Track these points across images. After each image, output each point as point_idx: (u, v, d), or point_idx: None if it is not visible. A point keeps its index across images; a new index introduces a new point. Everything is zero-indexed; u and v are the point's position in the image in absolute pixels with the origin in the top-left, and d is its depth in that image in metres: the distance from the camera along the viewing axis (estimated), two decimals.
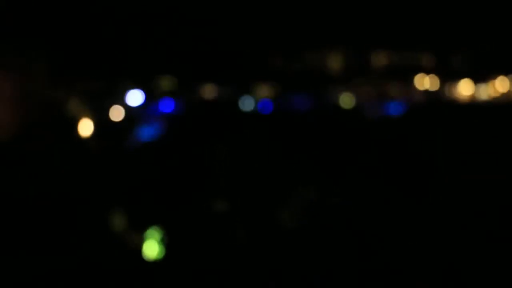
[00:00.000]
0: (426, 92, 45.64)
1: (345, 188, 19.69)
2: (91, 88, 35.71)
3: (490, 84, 45.08)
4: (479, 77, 48.23)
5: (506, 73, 38.79)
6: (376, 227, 18.02)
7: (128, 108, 36.69)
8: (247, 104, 39.12)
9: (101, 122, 30.26)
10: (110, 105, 35.95)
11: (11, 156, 19.12)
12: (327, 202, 19.06)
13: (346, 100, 45.49)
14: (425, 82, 48.48)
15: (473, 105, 43.30)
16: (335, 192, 19.37)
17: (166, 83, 42.52)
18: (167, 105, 37.49)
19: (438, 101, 43.13)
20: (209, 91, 42.10)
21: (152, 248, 16.04)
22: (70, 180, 19.45)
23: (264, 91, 45.05)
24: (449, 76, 47.64)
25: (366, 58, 51.31)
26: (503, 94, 40.24)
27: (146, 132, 30.88)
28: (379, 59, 51.54)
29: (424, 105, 41.29)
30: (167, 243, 16.14)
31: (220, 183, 19.97)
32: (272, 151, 22.82)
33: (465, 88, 46.53)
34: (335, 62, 51.47)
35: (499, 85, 40.02)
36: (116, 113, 34.35)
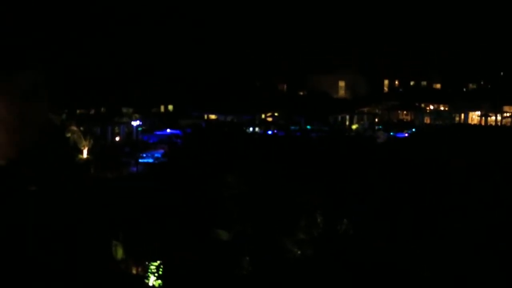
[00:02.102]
0: (435, 118, 43.99)
1: (353, 215, 18.78)
2: (90, 113, 34.36)
3: (500, 111, 43.60)
4: (491, 106, 46.52)
5: None
6: (384, 256, 16.99)
7: (129, 134, 35.21)
8: (254, 130, 37.70)
9: (100, 147, 29.08)
10: (110, 130, 34.46)
11: (9, 179, 17.84)
12: (334, 229, 18.15)
13: (355, 125, 43.57)
14: (433, 109, 46.83)
15: (484, 130, 41.14)
16: (343, 220, 18.43)
17: (168, 109, 40.75)
18: (168, 132, 35.99)
19: (447, 128, 41.30)
20: (214, 117, 40.44)
21: (155, 277, 15.11)
22: (69, 206, 17.99)
23: (272, 117, 43.35)
24: (458, 105, 45.78)
25: (376, 85, 49.50)
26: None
27: (148, 158, 29.72)
28: (389, 85, 49.68)
29: (432, 131, 39.43)
30: (170, 271, 15.25)
31: (225, 211, 19.09)
32: (279, 177, 21.91)
33: (474, 116, 44.89)
34: (343, 88, 49.87)
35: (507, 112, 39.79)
36: (117, 138, 32.97)
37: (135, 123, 35.17)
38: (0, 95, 24.68)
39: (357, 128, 41.58)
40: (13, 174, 21.30)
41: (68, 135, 26.96)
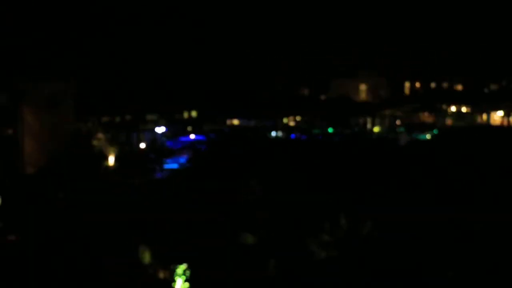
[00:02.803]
0: (457, 120, 44.04)
1: (377, 217, 18.98)
2: (116, 120, 35.02)
3: None
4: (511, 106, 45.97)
5: None
6: (409, 257, 17.16)
7: (154, 140, 35.88)
8: (277, 134, 38.15)
9: (127, 154, 29.67)
10: (136, 137, 35.16)
11: (38, 187, 18.40)
12: (359, 232, 18.36)
13: (377, 128, 43.85)
14: (456, 110, 46.72)
15: (506, 131, 41.25)
16: (367, 222, 18.64)
17: (192, 115, 41.33)
18: (192, 137, 36.61)
19: (470, 129, 41.46)
20: (236, 122, 41.00)
21: (179, 280, 15.45)
22: (96, 212, 18.53)
23: (293, 120, 43.78)
24: (480, 105, 45.80)
25: (396, 86, 49.62)
26: None
27: (172, 163, 30.23)
28: (409, 88, 49.83)
29: (455, 133, 39.64)
30: (196, 276, 15.57)
31: (250, 214, 19.38)
32: (303, 180, 22.15)
33: (496, 117, 44.60)
34: (365, 92, 50.10)
35: None
36: (142, 145, 33.60)
37: (159, 130, 35.65)
38: (28, 104, 25.28)
39: (379, 131, 41.75)
40: (42, 181, 21.84)
41: (95, 142, 27.48)
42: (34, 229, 17.72)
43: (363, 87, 59.03)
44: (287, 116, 51.36)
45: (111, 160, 28.57)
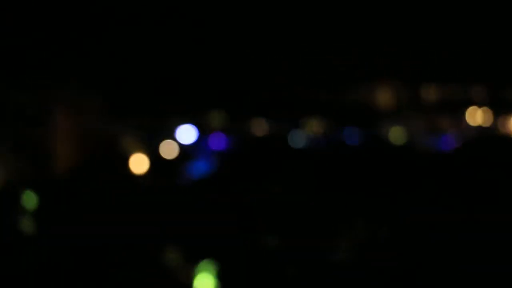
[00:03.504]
0: (479, 125, 44.29)
1: (396, 222, 19.47)
2: (144, 124, 36.06)
3: None
4: None
5: None
6: (429, 263, 17.66)
7: (180, 143, 36.82)
8: (297, 139, 38.94)
9: (154, 157, 30.67)
10: (163, 140, 36.11)
11: (70, 189, 19.50)
12: (377, 237, 18.86)
13: (397, 134, 44.54)
14: (477, 115, 47.09)
15: None
16: (386, 227, 19.15)
17: (217, 118, 42.48)
18: (218, 141, 37.58)
19: (492, 135, 41.72)
20: (260, 127, 42.05)
21: (203, 283, 16.12)
22: (124, 214, 19.61)
23: (315, 126, 44.69)
24: (503, 109, 45.96)
25: (417, 91, 50.18)
26: None
27: (198, 168, 31.08)
28: (430, 93, 50.48)
29: (476, 139, 39.97)
30: (218, 278, 16.21)
31: (271, 219, 19.99)
32: (322, 186, 22.74)
33: None
34: (385, 96, 50.68)
35: None
36: (169, 149, 34.70)
37: (187, 133, 36.20)
38: (59, 106, 26.15)
39: (398, 136, 41.99)
40: (74, 184, 22.58)
41: (124, 145, 28.14)
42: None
43: (383, 91, 59.08)
44: (308, 121, 51.59)
45: (138, 164, 29.25)
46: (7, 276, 16.21)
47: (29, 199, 23.19)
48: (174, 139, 37.47)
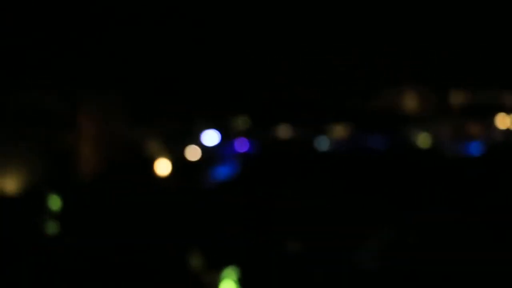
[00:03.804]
0: (507, 131, 43.85)
1: (423, 228, 19.20)
2: (168, 128, 36.30)
3: None
4: None
5: None
6: (455, 268, 17.35)
7: (204, 148, 36.94)
8: (322, 143, 38.74)
9: (178, 161, 30.74)
10: (186, 145, 36.32)
11: (94, 192, 19.46)
12: (404, 242, 18.60)
13: (423, 139, 44.22)
14: (506, 121, 46.61)
15: None
16: (413, 233, 18.89)
17: (241, 122, 42.55)
18: (242, 145, 37.62)
19: None
20: (284, 131, 42.00)
21: (229, 287, 16.00)
22: (148, 218, 19.52)
23: (340, 131, 44.46)
24: None
25: (444, 96, 49.71)
26: None
27: (222, 171, 31.10)
28: (458, 98, 49.94)
29: (505, 145, 39.49)
30: (241, 284, 16.09)
31: (295, 223, 19.84)
32: (348, 190, 22.56)
33: None
34: (411, 101, 50.32)
35: None
36: (192, 153, 34.78)
37: (211, 137, 36.26)
38: (84, 111, 26.29)
39: (425, 142, 41.60)
40: (98, 188, 22.66)
41: (148, 149, 28.23)
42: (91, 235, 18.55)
43: (408, 96, 58.57)
44: (333, 126, 51.33)
45: (162, 168, 29.33)
46: (30, 278, 16.29)
47: (54, 202, 23.34)
48: (198, 143, 37.56)
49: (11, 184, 24.15)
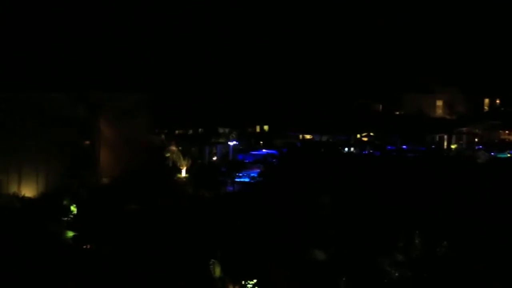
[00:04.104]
0: None
1: (454, 237, 18.20)
2: (188, 133, 35.30)
3: None
4: None
5: None
6: (490, 277, 16.32)
7: (225, 153, 35.72)
8: (350, 150, 37.43)
9: (198, 166, 29.69)
10: (208, 150, 35.19)
11: (112, 197, 18.50)
12: (434, 251, 17.65)
13: (455, 145, 42.40)
14: None
15: None
16: (443, 241, 17.90)
17: (263, 128, 41.13)
18: (267, 151, 36.31)
19: None
20: (311, 137, 40.55)
21: None
22: (168, 225, 18.51)
23: (368, 137, 42.95)
24: None
25: (476, 103, 47.94)
26: None
27: (248, 177, 30.07)
28: (490, 104, 48.05)
29: None
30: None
31: (321, 231, 18.96)
32: (376, 197, 21.59)
33: None
34: (443, 107, 48.61)
35: None
36: (218, 158, 33.66)
37: (231, 143, 35.73)
38: (104, 116, 25.76)
39: (456, 148, 40.48)
40: (116, 192, 22.16)
41: (168, 155, 27.76)
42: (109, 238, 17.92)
43: (439, 103, 57.50)
44: (361, 131, 50.45)
45: (183, 173, 28.78)
46: (50, 278, 15.72)
47: (74, 205, 22.89)
48: (223, 148, 36.96)
49: (31, 187, 23.79)
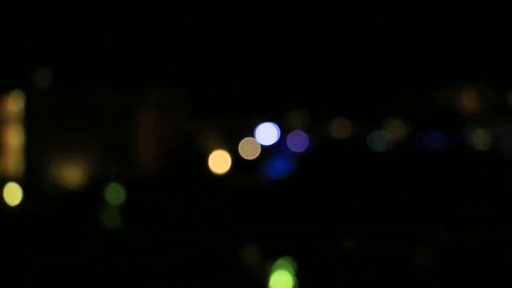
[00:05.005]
0: None
1: (478, 228, 18.86)
2: (225, 124, 36.40)
3: None
4: None
5: None
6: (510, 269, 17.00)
7: (261, 144, 36.68)
8: (378, 141, 38.32)
9: (234, 156, 30.82)
10: (243, 140, 36.11)
11: (153, 189, 19.97)
12: (459, 243, 18.34)
13: (482, 138, 43.08)
14: None
15: None
16: (468, 233, 18.58)
17: (298, 118, 42.19)
18: (298, 141, 37.35)
19: None
20: (340, 127, 41.58)
21: (280, 281, 16.13)
22: (204, 214, 19.90)
23: (395, 129, 43.92)
24: None
25: (503, 96, 48.48)
26: None
27: (278, 167, 31.04)
28: None
29: None
30: (295, 277, 16.17)
31: (349, 221, 19.80)
32: (402, 189, 22.37)
33: None
34: (471, 100, 49.25)
35: None
36: (249, 148, 34.80)
37: (264, 136, 36.40)
38: (143, 108, 26.82)
39: (484, 140, 40.75)
40: (157, 184, 23.03)
41: (205, 144, 28.53)
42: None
43: (469, 96, 57.35)
44: (390, 123, 50.85)
45: (219, 163, 29.58)
46: (90, 268, 16.76)
47: (115, 195, 23.90)
48: (254, 138, 37.66)
49: (73, 177, 24.89)
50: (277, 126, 45.02)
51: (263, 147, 40.79)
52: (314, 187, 23.59)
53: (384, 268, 16.61)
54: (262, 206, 21.08)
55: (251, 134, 43.06)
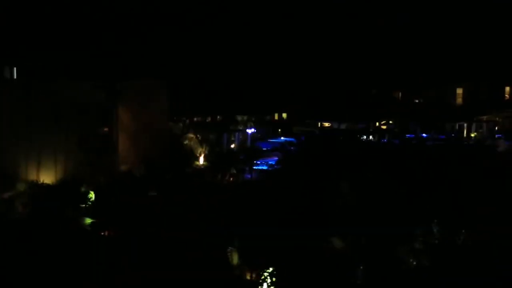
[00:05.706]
0: None
1: (472, 226, 18.13)
2: (206, 121, 35.32)
3: None
4: None
5: None
6: (507, 267, 16.23)
7: (244, 140, 35.72)
8: (368, 138, 37.26)
9: (221, 153, 29.68)
10: (226, 137, 35.16)
11: (131, 184, 18.51)
12: (452, 240, 17.57)
13: (477, 134, 42.13)
14: None
15: None
16: (461, 231, 17.83)
17: (282, 117, 41.08)
18: (285, 139, 36.28)
19: None
20: (330, 125, 40.51)
21: (267, 285, 15.24)
22: (185, 211, 18.49)
23: (387, 125, 42.73)
24: None
25: (498, 92, 47.49)
26: None
27: (263, 165, 30.01)
28: (510, 93, 47.44)
29: None
30: (284, 279, 15.31)
31: (339, 219, 18.95)
32: (395, 186, 21.51)
33: None
34: (461, 96, 48.19)
35: None
36: (236, 145, 33.65)
37: (249, 131, 35.79)
38: (123, 103, 25.85)
39: (475, 136, 40.28)
40: (135, 178, 22.32)
41: (186, 142, 27.88)
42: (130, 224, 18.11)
43: (459, 91, 57.01)
44: (379, 119, 50.28)
45: (201, 160, 28.89)
46: (69, 266, 15.91)
47: (92, 192, 23.09)
48: (242, 136, 37.04)
49: (50, 174, 24.01)
50: (265, 124, 44.56)
51: (251, 144, 40.25)
52: (300, 179, 22.94)
53: (375, 264, 15.82)
54: (249, 202, 20.30)
55: (235, 129, 42.54)
